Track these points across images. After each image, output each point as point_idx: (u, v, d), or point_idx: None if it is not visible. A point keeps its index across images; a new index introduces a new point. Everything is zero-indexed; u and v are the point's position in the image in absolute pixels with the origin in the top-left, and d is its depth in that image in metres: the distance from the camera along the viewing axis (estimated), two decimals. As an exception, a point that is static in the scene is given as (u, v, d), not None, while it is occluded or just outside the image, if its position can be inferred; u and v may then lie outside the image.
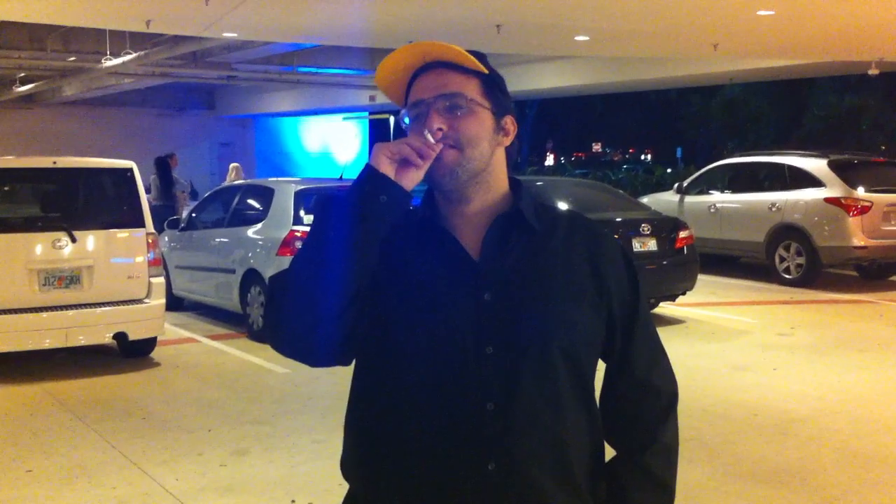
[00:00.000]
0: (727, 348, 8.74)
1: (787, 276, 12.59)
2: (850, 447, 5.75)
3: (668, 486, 1.82)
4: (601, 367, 1.85)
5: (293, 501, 4.87)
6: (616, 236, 9.12)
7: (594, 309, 1.75)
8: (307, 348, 1.71)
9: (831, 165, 12.55)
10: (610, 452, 1.86)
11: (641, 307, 1.84)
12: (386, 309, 1.71)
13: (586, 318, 1.74)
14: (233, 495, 4.99)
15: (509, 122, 1.80)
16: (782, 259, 12.71)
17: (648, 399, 1.83)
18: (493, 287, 1.69)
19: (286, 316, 1.67)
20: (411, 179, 1.67)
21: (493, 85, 1.78)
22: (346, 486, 1.85)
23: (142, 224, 8.02)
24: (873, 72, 17.64)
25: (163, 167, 15.43)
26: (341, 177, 11.23)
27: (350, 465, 1.81)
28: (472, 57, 1.74)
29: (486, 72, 1.77)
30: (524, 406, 1.67)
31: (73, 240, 7.60)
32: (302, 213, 9.13)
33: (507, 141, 1.80)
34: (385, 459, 1.73)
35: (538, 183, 11.24)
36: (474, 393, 1.66)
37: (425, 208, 1.79)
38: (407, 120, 1.76)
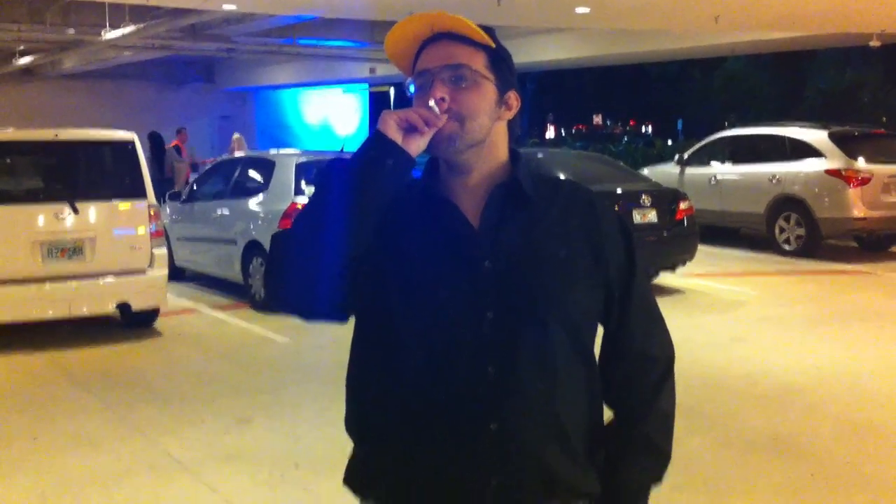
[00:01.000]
0: (726, 319, 8.78)
1: (786, 248, 12.61)
2: (847, 417, 5.80)
3: (665, 451, 1.86)
4: (600, 337, 1.88)
5: (297, 465, 4.93)
6: (616, 208, 9.15)
7: (591, 277, 1.77)
8: (307, 304, 1.74)
9: (832, 137, 12.54)
10: (608, 416, 1.89)
11: (638, 275, 1.85)
12: (386, 274, 1.74)
13: (584, 285, 1.76)
14: (237, 462, 5.04)
15: (512, 97, 1.82)
16: (782, 230, 12.73)
17: (645, 366, 1.85)
18: (493, 255, 1.71)
19: (287, 272, 1.70)
20: (416, 146, 1.70)
21: (499, 59, 1.80)
22: (348, 453, 1.90)
23: (143, 195, 8.04)
24: (875, 44, 17.56)
25: (155, 142, 15.40)
26: (342, 149, 11.25)
27: (352, 424, 1.84)
28: (480, 30, 1.75)
29: (493, 45, 1.79)
30: (524, 370, 1.70)
31: (76, 211, 7.62)
32: (303, 185, 9.14)
33: (510, 115, 1.82)
34: (387, 420, 1.76)
35: (539, 155, 11.25)
36: (475, 357, 1.69)
37: (427, 177, 1.82)
38: (412, 88, 1.78)
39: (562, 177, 8.93)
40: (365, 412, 1.81)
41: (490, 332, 1.68)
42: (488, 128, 1.77)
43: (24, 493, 4.67)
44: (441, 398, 1.70)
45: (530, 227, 1.75)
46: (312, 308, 1.75)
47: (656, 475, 1.85)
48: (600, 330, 1.86)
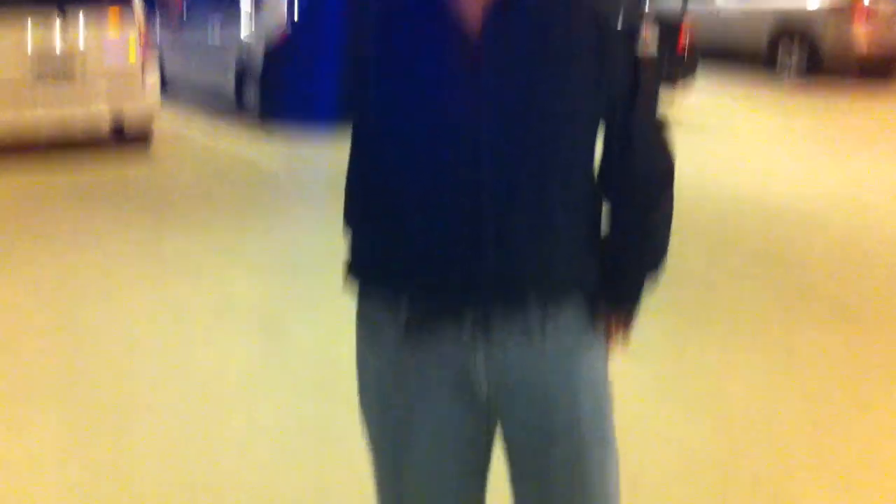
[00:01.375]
0: (725, 138, 8.78)
1: (787, 76, 12.51)
2: (841, 236, 5.86)
3: (663, 249, 1.84)
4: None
5: (294, 267, 5.03)
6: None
7: (596, 79, 1.72)
8: (304, 107, 1.73)
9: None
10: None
11: (646, 76, 1.80)
12: (382, 86, 1.69)
13: (588, 88, 1.71)
14: (235, 267, 5.11)
15: None
16: (784, 60, 12.59)
17: (646, 168, 1.81)
18: (491, 61, 1.66)
19: (284, 79, 1.68)
20: None
21: None
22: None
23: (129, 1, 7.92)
24: None
25: None
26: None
27: (351, 220, 1.83)
28: None
29: None
30: (523, 164, 1.67)
31: (64, 16, 7.50)
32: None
33: None
34: (386, 215, 1.74)
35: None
36: (470, 159, 1.66)
37: None
38: None
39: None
40: (366, 197, 1.79)
41: (488, 126, 1.65)
42: None
43: (19, 287, 4.77)
44: (437, 193, 1.67)
45: (534, 28, 1.69)
46: (309, 111, 1.73)
47: (654, 270, 1.85)
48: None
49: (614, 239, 1.83)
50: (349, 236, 1.83)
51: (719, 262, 5.24)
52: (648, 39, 8.24)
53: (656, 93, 1.85)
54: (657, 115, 1.84)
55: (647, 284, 1.86)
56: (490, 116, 1.65)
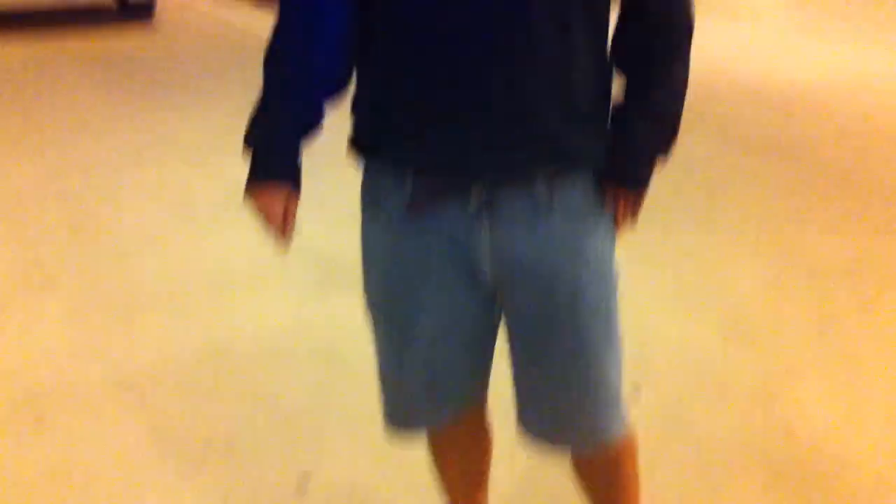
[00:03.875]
0: (737, 28, 8.57)
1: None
2: (852, 125, 5.78)
3: (675, 121, 1.80)
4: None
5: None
6: None
7: None
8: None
9: None
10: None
11: None
12: None
13: None
14: (239, 153, 5.06)
15: None
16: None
17: (663, 32, 1.76)
18: None
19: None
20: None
21: None
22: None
23: None
24: None
25: None
26: None
27: (359, 98, 1.80)
28: None
29: None
30: (533, 31, 1.62)
31: None
32: None
33: None
34: (395, 88, 1.71)
35: None
36: (481, 24, 1.61)
37: None
38: None
39: None
40: (375, 83, 1.75)
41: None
42: None
43: (32, 174, 4.74)
44: (446, 61, 1.64)
45: None
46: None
47: (665, 146, 1.81)
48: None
49: (625, 111, 1.78)
50: (354, 116, 1.80)
51: (727, 158, 5.18)
52: None
53: None
54: None
55: (657, 162, 1.81)
56: None
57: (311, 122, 1.77)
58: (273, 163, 1.76)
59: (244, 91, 6.04)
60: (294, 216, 1.74)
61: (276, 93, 1.80)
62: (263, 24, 7.95)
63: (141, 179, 4.71)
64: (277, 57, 1.79)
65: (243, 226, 4.23)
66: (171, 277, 3.71)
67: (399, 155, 1.74)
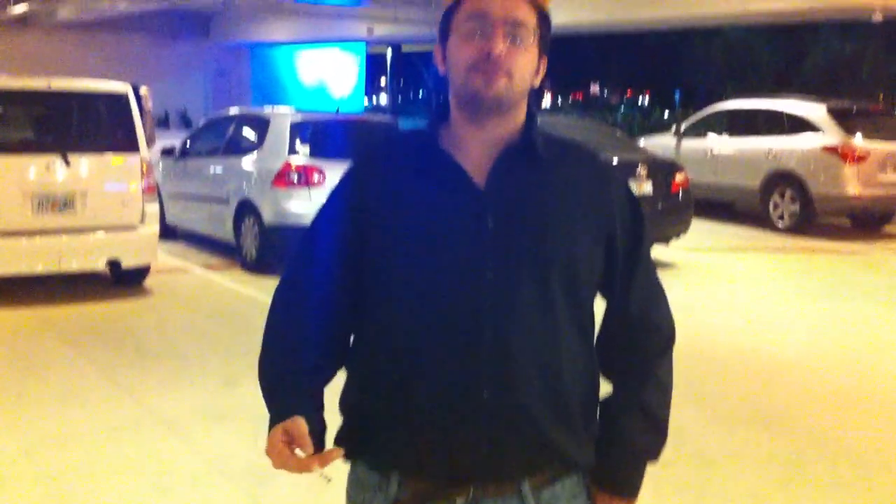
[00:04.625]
0: (719, 293, 8.77)
1: (780, 224, 12.57)
2: (837, 393, 5.81)
3: (663, 422, 1.83)
4: (598, 308, 1.84)
5: (284, 430, 4.91)
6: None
7: (595, 242, 1.74)
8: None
9: (830, 112, 12.47)
10: (604, 391, 1.86)
11: (644, 245, 1.82)
12: (387, 235, 1.71)
13: (587, 249, 1.73)
14: (224, 423, 5.01)
15: (543, 63, 1.78)
16: (776, 206, 12.69)
17: (646, 335, 1.82)
18: (497, 214, 1.68)
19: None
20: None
21: (547, 24, 1.76)
22: (336, 418, 1.85)
23: (136, 149, 7.95)
24: (877, 18, 17.48)
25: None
26: (338, 110, 11.15)
27: (348, 399, 1.81)
28: None
29: (546, 9, 1.75)
30: (521, 334, 1.66)
31: (67, 163, 7.54)
32: (297, 143, 9.06)
33: (538, 81, 1.78)
34: (382, 390, 1.73)
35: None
36: (473, 319, 1.66)
37: (432, 129, 1.76)
38: (460, 29, 1.71)
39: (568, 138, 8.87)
40: (362, 385, 1.78)
41: (489, 293, 1.65)
42: (527, 91, 1.73)
43: (8, 449, 4.65)
44: (436, 366, 1.67)
45: (537, 186, 1.72)
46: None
47: (654, 449, 1.82)
48: (598, 309, 1.82)
49: (615, 416, 1.80)
50: (343, 415, 1.81)
51: (716, 430, 5.15)
52: (643, 177, 8.35)
53: (652, 260, 1.86)
54: (656, 282, 1.85)
55: (646, 466, 1.82)
56: (494, 265, 1.66)
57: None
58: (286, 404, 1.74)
59: (233, 358, 6.13)
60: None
61: (273, 379, 1.81)
62: (254, 289, 8.16)
63: (121, 453, 4.62)
64: (270, 354, 1.83)
65: (223, 499, 4.13)
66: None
67: (385, 458, 1.74)
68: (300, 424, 1.64)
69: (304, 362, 1.76)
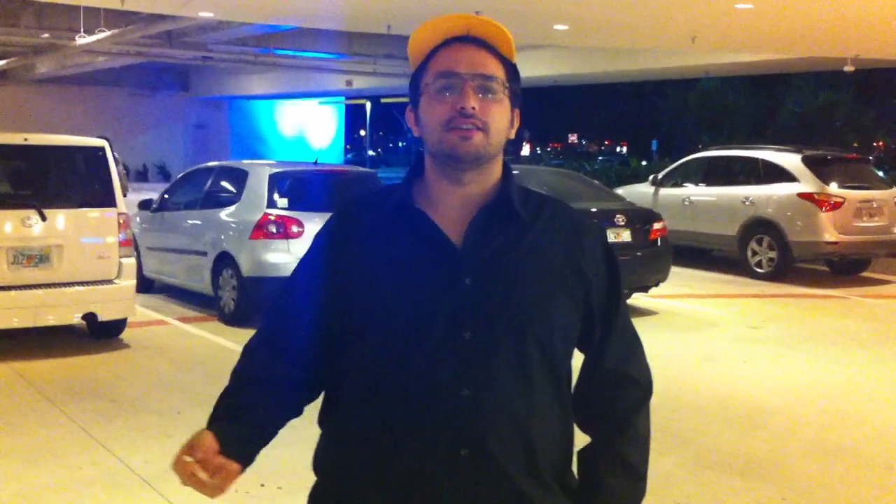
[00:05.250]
0: (699, 340, 8.78)
1: (758, 270, 12.65)
2: (818, 439, 5.80)
3: (641, 473, 1.82)
4: (577, 359, 1.84)
5: (262, 485, 4.84)
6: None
7: (572, 299, 1.74)
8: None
9: (805, 161, 12.62)
10: (581, 442, 1.85)
11: (621, 301, 1.83)
12: (363, 297, 1.70)
13: (564, 307, 1.73)
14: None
15: (517, 115, 1.79)
16: (754, 253, 12.78)
17: (624, 389, 1.82)
18: (474, 273, 1.67)
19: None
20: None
21: (515, 75, 1.78)
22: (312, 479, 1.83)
23: (113, 204, 7.92)
24: (849, 69, 17.77)
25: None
26: (316, 161, 11.18)
27: (323, 459, 1.79)
28: (513, 46, 1.73)
29: (514, 61, 1.76)
30: (497, 393, 1.66)
31: (44, 218, 7.50)
32: (276, 196, 9.06)
33: (513, 133, 1.79)
34: (359, 449, 1.71)
35: (514, 172, 11.21)
36: (451, 379, 1.65)
37: (407, 186, 1.77)
38: (432, 85, 1.72)
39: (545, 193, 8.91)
40: (338, 445, 1.76)
41: (467, 353, 1.64)
42: (503, 144, 1.74)
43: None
44: (413, 426, 1.65)
45: (514, 245, 1.72)
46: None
47: (634, 500, 1.81)
48: (577, 359, 1.82)
49: (595, 470, 1.78)
50: (318, 475, 1.81)
51: (697, 476, 5.12)
52: (622, 225, 8.39)
53: (628, 313, 1.86)
54: (633, 335, 1.85)
55: None
56: (472, 325, 1.65)
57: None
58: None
59: (210, 410, 6.04)
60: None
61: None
62: (232, 341, 8.10)
63: (96, 510, 4.55)
64: (231, 384, 1.92)
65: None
66: None
67: None
68: (205, 438, 1.69)
69: (259, 396, 1.82)
